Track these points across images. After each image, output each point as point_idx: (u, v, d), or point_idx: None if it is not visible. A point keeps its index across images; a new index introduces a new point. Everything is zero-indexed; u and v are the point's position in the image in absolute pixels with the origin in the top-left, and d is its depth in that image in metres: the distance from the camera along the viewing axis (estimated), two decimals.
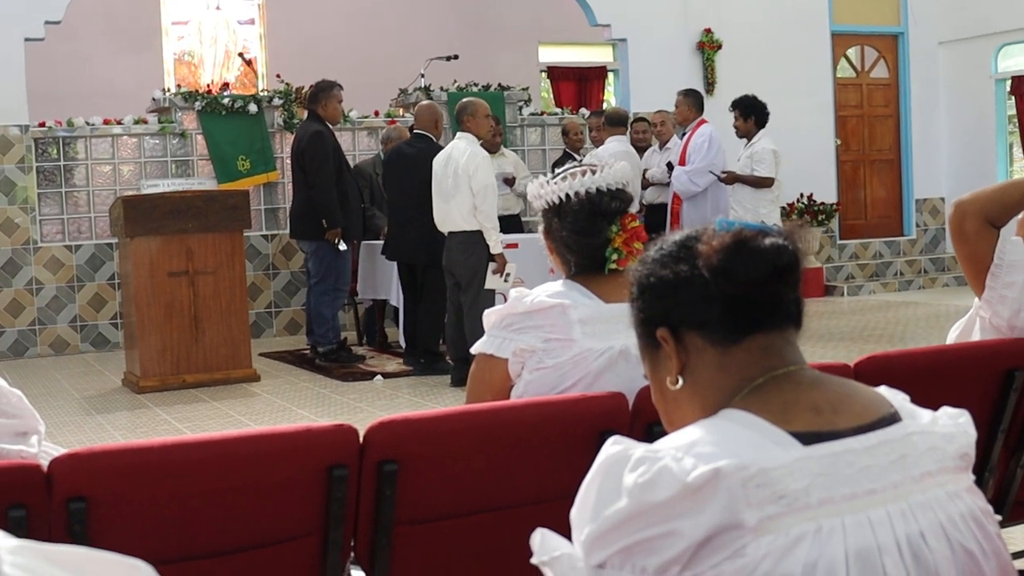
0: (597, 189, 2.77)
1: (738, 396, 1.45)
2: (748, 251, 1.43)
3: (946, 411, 1.50)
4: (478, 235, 7.63)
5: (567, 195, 2.79)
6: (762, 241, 1.44)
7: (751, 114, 9.45)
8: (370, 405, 7.33)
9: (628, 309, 1.61)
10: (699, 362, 1.49)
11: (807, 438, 1.37)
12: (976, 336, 3.07)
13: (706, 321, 1.48)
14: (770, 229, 1.46)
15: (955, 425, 1.47)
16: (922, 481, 1.40)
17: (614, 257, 2.73)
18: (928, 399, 2.85)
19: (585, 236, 2.75)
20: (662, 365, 1.54)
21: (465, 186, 7.58)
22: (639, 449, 1.38)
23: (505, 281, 7.66)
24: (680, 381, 1.51)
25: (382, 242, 9.38)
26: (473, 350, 2.83)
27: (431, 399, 7.48)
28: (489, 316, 2.80)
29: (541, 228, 2.88)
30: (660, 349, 1.53)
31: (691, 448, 1.35)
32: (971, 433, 1.48)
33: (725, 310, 1.46)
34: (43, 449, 2.16)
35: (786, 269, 1.44)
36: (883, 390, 1.51)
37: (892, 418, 1.42)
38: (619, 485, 1.35)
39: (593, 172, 2.79)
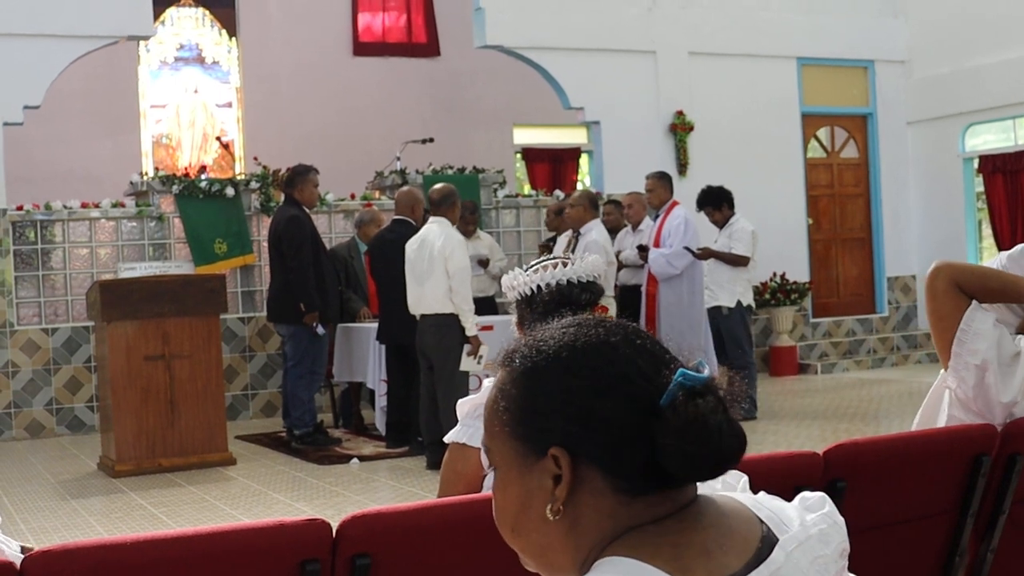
0: (568, 281, 2.82)
1: (616, 539, 1.26)
2: (718, 434, 1.24)
3: (806, 501, 1.38)
4: (452, 318, 7.68)
5: (538, 286, 2.84)
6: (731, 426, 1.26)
7: (721, 202, 9.60)
8: (346, 489, 7.31)
9: (499, 393, 1.35)
10: (588, 502, 1.27)
11: None
12: (944, 410, 3.09)
13: (621, 469, 1.26)
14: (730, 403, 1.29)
15: (823, 519, 1.35)
16: None
17: None
18: (898, 485, 2.90)
19: None
20: (533, 480, 1.29)
21: (440, 269, 7.64)
22: None
23: (478, 363, 7.70)
24: (560, 513, 1.27)
25: (358, 325, 9.44)
26: (446, 439, 2.85)
27: (408, 483, 7.46)
28: (462, 405, 2.83)
29: (514, 319, 2.93)
30: (537, 461, 1.28)
31: None
32: (841, 522, 1.38)
33: (652, 465, 1.25)
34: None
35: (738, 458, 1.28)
36: (744, 497, 1.39)
37: (769, 539, 1.30)
38: None
39: (565, 265, 2.85)
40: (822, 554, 1.32)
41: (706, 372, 1.27)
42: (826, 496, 1.38)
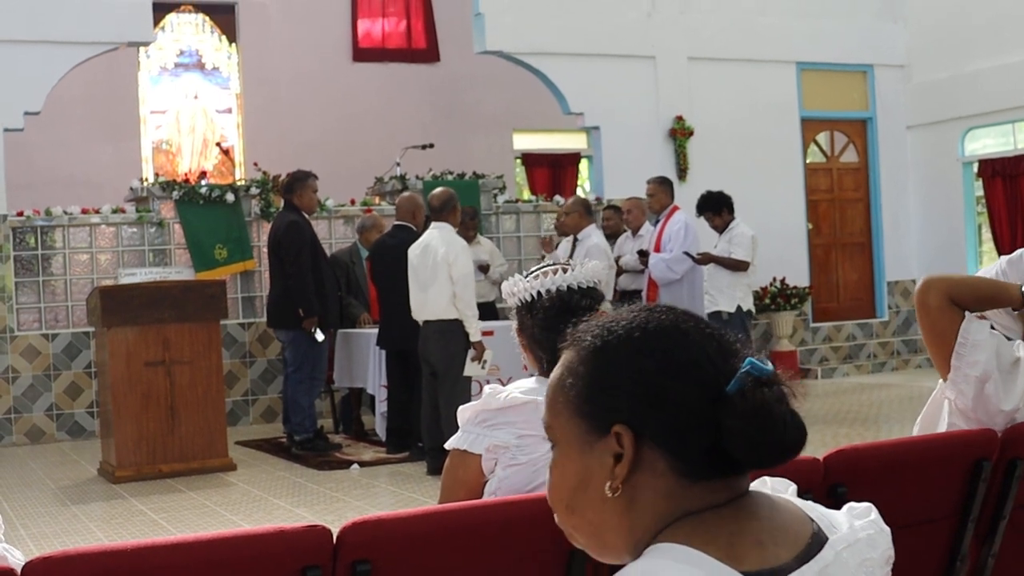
0: (568, 287, 2.81)
1: (672, 524, 1.29)
2: (782, 424, 1.28)
3: (854, 509, 1.43)
4: (455, 324, 7.68)
5: (538, 292, 2.83)
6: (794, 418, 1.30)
7: (721, 207, 9.59)
8: (346, 495, 7.31)
9: (569, 363, 1.36)
10: (647, 483, 1.29)
11: None
12: (944, 419, 3.08)
13: (685, 452, 1.28)
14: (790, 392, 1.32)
15: (870, 525, 1.41)
16: None
17: None
18: (898, 490, 2.90)
19: (555, 333, 2.77)
20: (594, 457, 1.31)
21: (444, 275, 7.65)
22: None
23: (482, 368, 7.71)
24: (618, 491, 1.30)
25: (359, 330, 9.44)
26: (447, 446, 2.85)
27: (408, 488, 7.46)
28: (463, 412, 2.82)
29: (515, 325, 2.93)
30: (600, 439, 1.30)
31: None
32: (887, 530, 1.43)
33: (714, 451, 1.28)
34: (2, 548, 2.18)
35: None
36: (795, 498, 1.43)
37: (818, 537, 1.34)
38: None
39: (565, 271, 2.85)
40: (870, 557, 1.36)
41: (770, 365, 1.30)
42: (872, 506, 1.42)
